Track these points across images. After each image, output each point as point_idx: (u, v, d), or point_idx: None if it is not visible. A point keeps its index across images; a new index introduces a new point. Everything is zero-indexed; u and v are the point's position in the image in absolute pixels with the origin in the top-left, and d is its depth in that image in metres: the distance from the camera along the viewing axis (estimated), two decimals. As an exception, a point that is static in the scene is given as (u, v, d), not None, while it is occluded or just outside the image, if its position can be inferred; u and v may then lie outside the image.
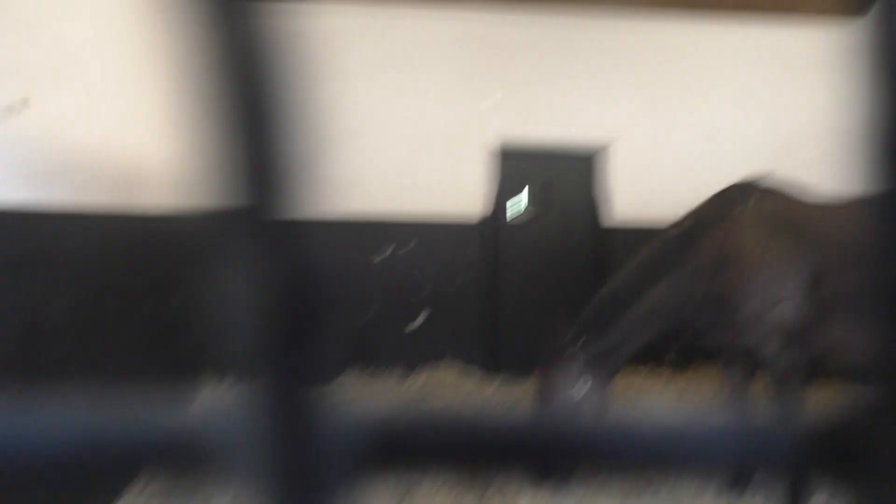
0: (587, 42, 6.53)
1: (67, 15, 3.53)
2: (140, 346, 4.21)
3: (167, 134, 4.69)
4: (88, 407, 0.28)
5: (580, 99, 6.53)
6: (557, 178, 6.70)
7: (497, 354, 6.57)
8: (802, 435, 0.29)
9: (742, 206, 3.97)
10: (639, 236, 5.24)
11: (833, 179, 6.13)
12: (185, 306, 4.92)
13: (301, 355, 0.26)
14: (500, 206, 6.62)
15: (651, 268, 3.95)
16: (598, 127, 6.53)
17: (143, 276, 4.21)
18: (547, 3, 6.37)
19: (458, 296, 6.46)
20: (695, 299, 3.90)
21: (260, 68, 0.25)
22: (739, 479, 4.03)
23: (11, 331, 2.84)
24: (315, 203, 0.26)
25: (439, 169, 6.38)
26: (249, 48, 0.25)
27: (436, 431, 0.27)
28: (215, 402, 5.33)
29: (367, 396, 5.65)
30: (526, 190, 6.73)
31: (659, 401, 5.74)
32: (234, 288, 0.26)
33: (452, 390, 5.89)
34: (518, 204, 6.74)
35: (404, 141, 6.40)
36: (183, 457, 0.27)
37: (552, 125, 6.52)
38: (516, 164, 6.61)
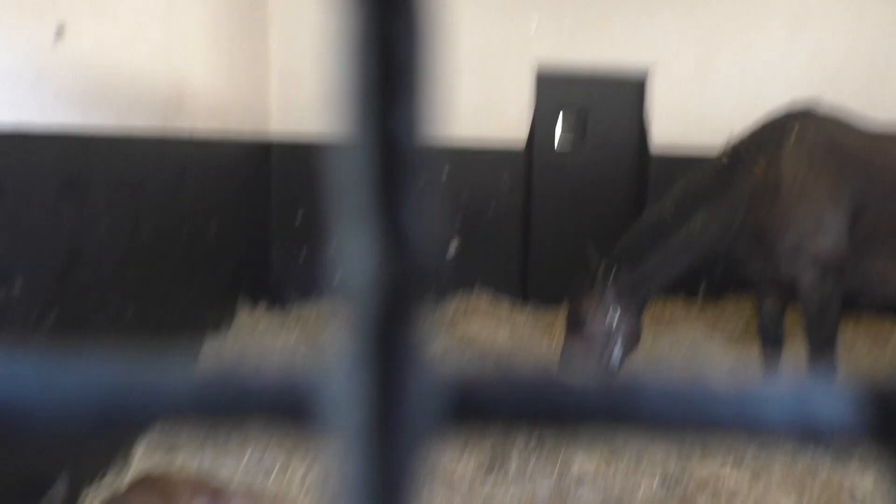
0: (630, -38, 6.24)
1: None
2: (180, 270, 4.31)
3: (208, 59, 4.67)
4: (119, 351, 0.27)
5: (624, 22, 6.29)
6: (600, 103, 6.53)
7: (528, 283, 6.60)
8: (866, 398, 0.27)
9: (787, 134, 3.86)
10: (680, 165, 5.14)
11: (883, 108, 5.89)
12: (223, 230, 4.99)
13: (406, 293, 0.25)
14: (538, 133, 6.50)
15: (692, 196, 3.88)
16: (643, 52, 6.31)
17: (184, 200, 4.27)
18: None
19: (492, 223, 6.45)
20: (735, 229, 3.85)
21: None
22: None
23: (56, 254, 2.92)
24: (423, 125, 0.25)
25: (478, 93, 6.23)
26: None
27: (515, 391, 0.27)
28: (253, 328, 5.47)
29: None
30: (564, 116, 6.59)
31: (689, 332, 5.75)
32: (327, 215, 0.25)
33: (483, 318, 5.96)
34: (557, 131, 6.61)
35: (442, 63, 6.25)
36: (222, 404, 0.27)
37: (595, 49, 6.31)
38: (557, 90, 6.45)
